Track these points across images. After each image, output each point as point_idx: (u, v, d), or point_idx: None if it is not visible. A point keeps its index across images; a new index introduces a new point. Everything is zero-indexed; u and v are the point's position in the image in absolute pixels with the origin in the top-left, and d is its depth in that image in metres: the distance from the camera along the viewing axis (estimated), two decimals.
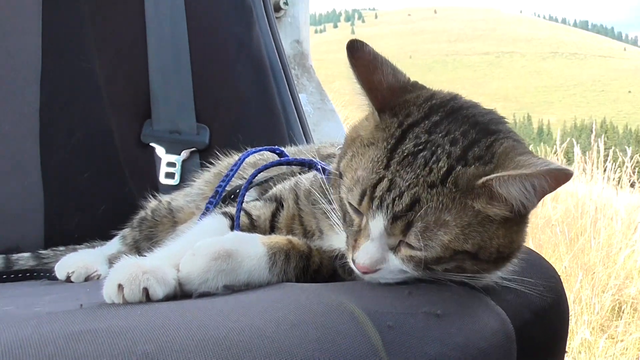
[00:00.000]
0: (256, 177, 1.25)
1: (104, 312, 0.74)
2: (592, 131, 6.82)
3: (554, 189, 0.82)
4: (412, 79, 0.98)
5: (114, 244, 1.48)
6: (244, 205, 1.11)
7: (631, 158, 5.68)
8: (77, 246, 1.58)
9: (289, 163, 1.19)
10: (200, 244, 0.88)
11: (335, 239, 1.02)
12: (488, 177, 0.82)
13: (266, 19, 2.14)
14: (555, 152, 6.53)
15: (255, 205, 1.13)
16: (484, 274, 0.89)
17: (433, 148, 0.85)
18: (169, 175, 1.87)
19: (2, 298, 1.09)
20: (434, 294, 0.84)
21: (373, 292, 0.85)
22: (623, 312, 4.13)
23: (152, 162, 1.89)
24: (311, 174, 1.14)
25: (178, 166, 1.88)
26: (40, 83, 1.80)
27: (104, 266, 1.34)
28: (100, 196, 1.82)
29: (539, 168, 0.80)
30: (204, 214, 1.19)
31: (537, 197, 0.84)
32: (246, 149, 1.42)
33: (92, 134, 1.85)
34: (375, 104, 0.90)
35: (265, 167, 1.19)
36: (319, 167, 1.08)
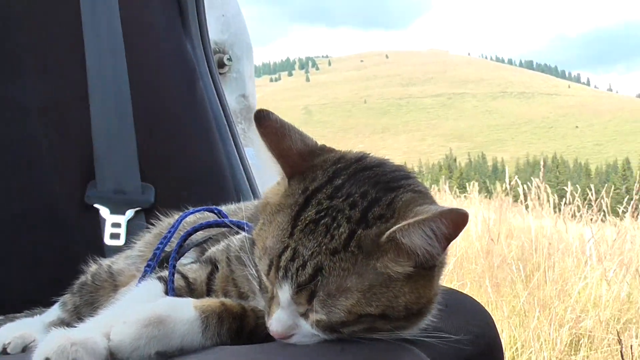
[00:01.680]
0: (196, 237, 1.26)
1: None
2: (541, 168, 7.08)
3: (455, 232, 0.83)
4: (320, 144, 0.98)
5: (53, 311, 1.44)
6: (181, 268, 1.11)
7: (582, 192, 5.90)
8: (17, 314, 1.54)
9: (218, 225, 1.20)
10: (131, 311, 0.88)
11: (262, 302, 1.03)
12: (391, 230, 0.82)
13: (209, 76, 2.18)
14: (506, 190, 6.74)
15: (192, 268, 1.12)
16: (399, 331, 0.89)
17: (334, 214, 0.86)
18: (114, 236, 1.85)
19: None
20: (366, 349, 0.85)
21: (307, 351, 0.86)
22: (581, 346, 4.19)
23: (97, 223, 1.87)
24: (242, 235, 1.15)
25: (123, 226, 1.86)
26: None
27: (43, 335, 1.30)
28: (44, 262, 1.79)
29: (433, 212, 0.81)
30: (142, 277, 1.18)
31: (441, 244, 0.84)
32: (188, 208, 1.43)
33: (33, 200, 1.83)
34: (285, 170, 0.92)
35: (194, 230, 1.19)
36: (247, 229, 1.09)
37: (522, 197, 6.30)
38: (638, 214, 5.91)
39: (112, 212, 1.87)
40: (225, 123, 2.17)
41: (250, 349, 0.88)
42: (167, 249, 1.31)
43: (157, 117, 2.04)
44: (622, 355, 3.18)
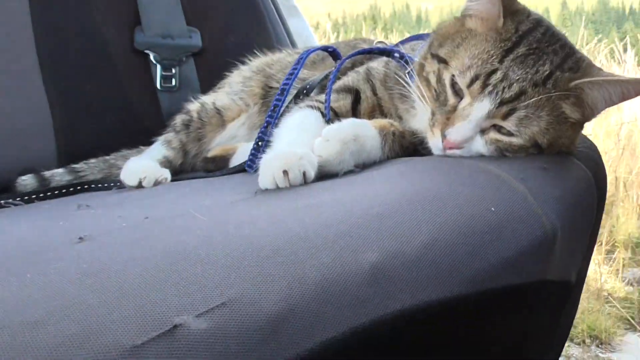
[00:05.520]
0: (305, 80, 1.35)
1: (296, 195, 0.87)
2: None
3: (633, 97, 0.99)
4: None
5: (158, 150, 1.51)
6: (320, 98, 1.21)
7: None
8: (107, 157, 1.61)
9: (371, 52, 1.29)
10: (328, 131, 1.00)
11: (413, 122, 1.17)
12: (581, 80, 1.00)
13: None
14: None
15: (332, 98, 1.22)
16: None
17: (540, 53, 1.01)
18: (167, 80, 1.90)
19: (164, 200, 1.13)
20: (534, 156, 1.03)
21: (489, 157, 1.02)
22: None
23: (148, 68, 1.90)
24: (382, 61, 1.25)
25: (175, 71, 1.90)
26: None
27: (164, 170, 1.39)
28: (105, 107, 1.81)
29: (631, 78, 0.99)
30: (272, 110, 1.27)
31: (616, 103, 1.01)
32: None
33: (87, 45, 1.82)
34: (503, 10, 1.03)
35: (352, 56, 1.28)
36: (398, 55, 1.20)
37: None
38: None
39: (162, 58, 1.90)
40: None
41: (440, 158, 1.03)
42: (275, 85, 1.42)
43: None
44: None
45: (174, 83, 1.90)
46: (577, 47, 1.10)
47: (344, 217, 0.72)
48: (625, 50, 5.32)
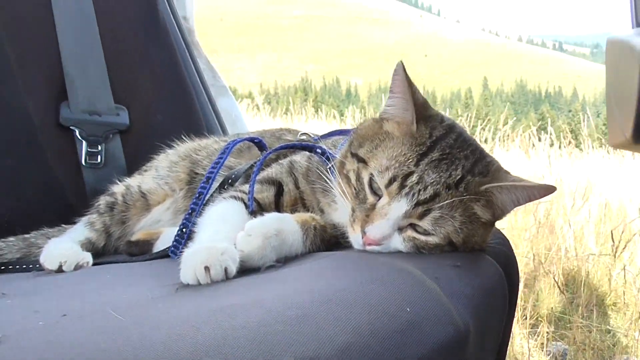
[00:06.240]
0: (231, 168, 1.38)
1: (217, 293, 0.87)
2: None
3: (538, 199, 1.09)
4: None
5: (80, 232, 1.48)
6: (244, 189, 1.24)
7: None
8: (27, 235, 1.56)
9: (294, 147, 1.33)
10: (251, 225, 1.02)
11: (334, 215, 1.20)
12: (490, 184, 1.07)
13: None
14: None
15: (256, 189, 1.24)
16: None
17: (453, 159, 1.08)
18: (92, 156, 1.87)
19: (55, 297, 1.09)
20: (448, 253, 1.07)
21: (406, 254, 1.06)
22: None
23: (73, 145, 1.88)
24: (305, 155, 1.29)
25: (101, 148, 1.88)
26: None
27: (85, 254, 1.36)
28: (26, 182, 1.77)
29: (536, 183, 1.07)
30: (197, 197, 1.29)
31: (523, 204, 1.09)
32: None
33: (10, 119, 1.79)
34: (415, 116, 1.10)
35: (276, 150, 1.32)
36: (320, 150, 1.24)
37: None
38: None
39: (88, 134, 1.88)
40: (184, 46, 2.21)
41: (360, 253, 1.06)
42: (200, 171, 1.44)
43: (123, 39, 2.04)
44: None
45: (99, 160, 1.88)
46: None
47: (263, 319, 0.73)
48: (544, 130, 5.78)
